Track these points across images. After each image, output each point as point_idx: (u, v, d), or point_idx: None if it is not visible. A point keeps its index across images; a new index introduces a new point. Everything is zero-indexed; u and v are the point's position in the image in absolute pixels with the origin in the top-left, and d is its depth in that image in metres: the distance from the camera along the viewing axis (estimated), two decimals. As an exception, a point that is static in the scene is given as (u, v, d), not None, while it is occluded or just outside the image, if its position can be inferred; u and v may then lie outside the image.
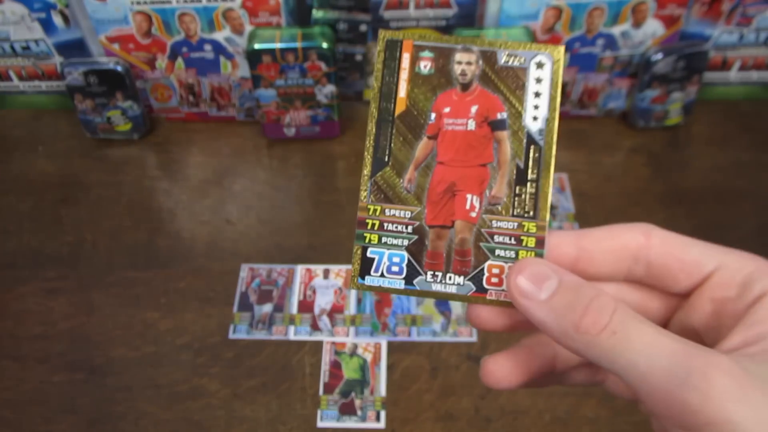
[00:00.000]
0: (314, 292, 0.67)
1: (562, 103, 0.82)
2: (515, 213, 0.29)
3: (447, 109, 0.29)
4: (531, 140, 0.29)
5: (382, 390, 0.60)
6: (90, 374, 0.62)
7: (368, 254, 0.29)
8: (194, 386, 0.61)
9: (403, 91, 0.29)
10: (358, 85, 0.83)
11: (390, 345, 0.63)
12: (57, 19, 0.74)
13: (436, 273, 0.28)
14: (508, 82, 0.29)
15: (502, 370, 0.29)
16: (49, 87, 0.84)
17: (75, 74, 0.76)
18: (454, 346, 0.63)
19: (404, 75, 0.29)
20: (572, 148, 0.81)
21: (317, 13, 0.75)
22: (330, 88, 0.76)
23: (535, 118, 0.29)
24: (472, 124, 0.29)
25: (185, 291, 0.68)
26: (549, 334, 0.25)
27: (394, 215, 0.29)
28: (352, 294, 0.67)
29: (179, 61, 0.78)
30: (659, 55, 0.74)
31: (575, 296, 0.25)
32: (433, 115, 0.29)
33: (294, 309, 0.66)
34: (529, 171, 0.29)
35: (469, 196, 0.29)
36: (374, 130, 0.29)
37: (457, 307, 0.66)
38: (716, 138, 0.82)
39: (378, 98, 0.29)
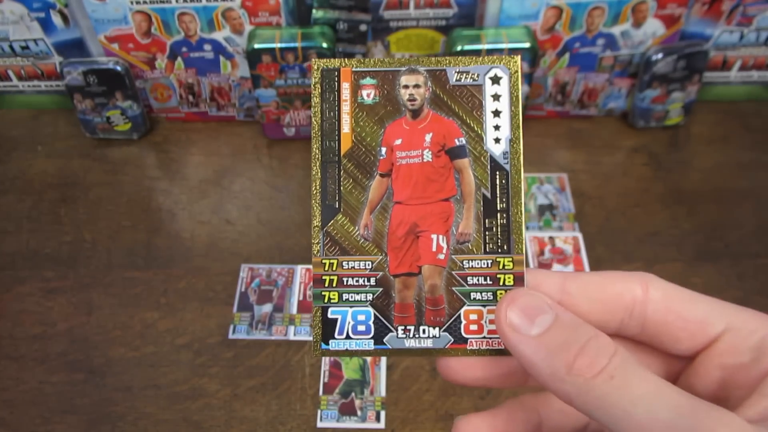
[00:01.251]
0: (314, 292, 0.67)
1: (562, 103, 0.82)
2: (488, 249, 0.25)
3: (398, 141, 0.26)
4: (496, 165, 0.25)
5: (382, 390, 0.60)
6: (89, 374, 0.62)
7: (329, 315, 0.25)
8: (194, 386, 0.61)
9: (346, 126, 0.26)
10: (357, 85, 0.83)
11: (390, 345, 0.63)
12: (56, 19, 0.74)
13: (408, 327, 0.25)
14: (463, 103, 0.26)
15: None
16: (48, 87, 0.83)
17: (74, 74, 0.75)
18: (454, 346, 0.63)
19: (346, 108, 0.26)
20: (572, 148, 0.81)
21: (317, 13, 0.74)
22: (330, 88, 0.75)
23: (497, 140, 0.25)
24: (428, 155, 0.26)
25: (185, 291, 0.68)
26: (537, 376, 0.23)
27: (353, 267, 0.26)
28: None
29: (179, 60, 0.78)
30: (659, 55, 0.74)
31: (571, 334, 0.22)
32: (383, 150, 0.26)
33: (294, 309, 0.66)
34: (498, 200, 0.25)
35: (434, 237, 0.26)
36: (319, 173, 0.26)
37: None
38: (716, 138, 0.82)
39: (319, 137, 0.26)
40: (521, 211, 0.25)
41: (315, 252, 0.26)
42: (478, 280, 0.25)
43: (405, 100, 0.26)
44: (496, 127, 0.25)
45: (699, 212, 0.74)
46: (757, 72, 0.83)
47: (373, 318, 0.25)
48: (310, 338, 0.64)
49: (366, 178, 0.26)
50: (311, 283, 0.26)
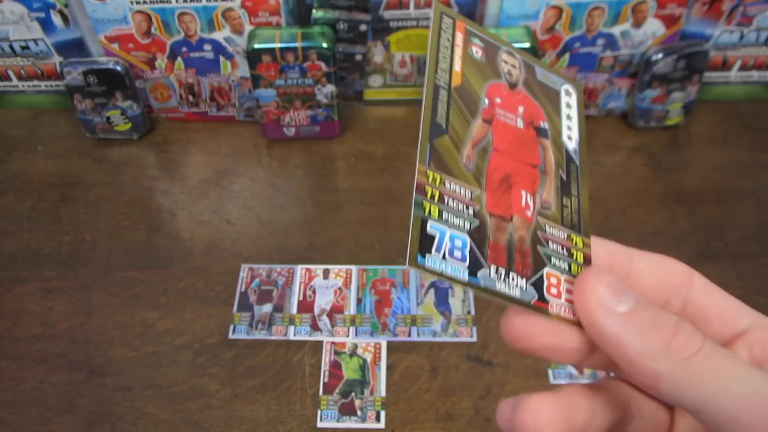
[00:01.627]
0: (314, 292, 0.67)
1: (562, 103, 0.82)
2: (564, 223, 0.27)
3: (498, 100, 0.28)
4: (569, 157, 0.29)
5: (382, 390, 0.60)
6: (89, 374, 0.62)
7: (428, 229, 0.23)
8: (194, 386, 0.61)
9: (457, 65, 0.27)
10: (358, 85, 0.83)
11: (390, 345, 0.63)
12: (56, 19, 0.74)
13: (500, 269, 0.24)
14: (547, 97, 0.29)
15: (543, 416, 0.23)
16: (48, 87, 0.84)
17: (74, 74, 0.75)
18: (454, 346, 0.63)
19: (458, 51, 0.27)
20: (572, 148, 0.81)
21: (317, 13, 0.74)
22: (330, 88, 0.76)
23: (569, 138, 0.29)
24: (520, 123, 0.28)
25: (185, 291, 0.68)
26: (622, 354, 0.22)
27: (454, 191, 0.24)
28: (352, 294, 0.67)
29: (179, 60, 0.78)
30: (659, 55, 0.74)
31: (659, 316, 0.22)
32: (486, 101, 0.27)
33: (294, 309, 0.66)
34: (571, 185, 0.28)
35: (523, 193, 0.26)
36: (431, 94, 0.25)
37: (457, 308, 0.66)
38: (716, 138, 0.82)
39: (434, 65, 0.26)
40: (587, 206, 0.28)
41: (420, 160, 0.24)
42: (557, 247, 0.26)
43: (505, 71, 0.28)
44: (569, 128, 0.29)
45: (699, 212, 0.74)
46: (757, 72, 0.83)
47: (469, 248, 0.24)
48: (310, 338, 0.64)
49: (471, 116, 0.26)
50: (415, 196, 0.23)
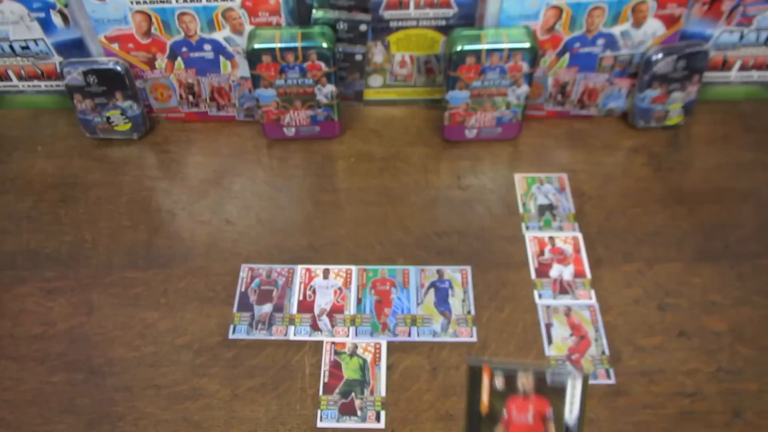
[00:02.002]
0: (314, 292, 0.67)
1: (562, 103, 0.82)
2: None
3: (514, 408, 0.42)
4: (568, 427, 0.42)
5: (382, 390, 0.60)
6: (89, 374, 0.62)
7: None
8: (194, 386, 0.61)
9: (485, 398, 0.42)
10: (357, 85, 0.83)
11: (390, 345, 0.63)
12: (56, 19, 0.74)
13: None
14: (554, 391, 0.42)
15: None
16: (48, 87, 0.84)
17: (74, 74, 0.75)
18: (454, 346, 0.63)
19: (485, 389, 0.42)
20: (572, 148, 0.81)
21: (317, 13, 0.74)
22: (330, 88, 0.76)
23: (570, 412, 0.42)
24: (530, 418, 0.42)
25: (185, 291, 0.68)
26: None
27: None
28: (352, 294, 0.67)
29: (179, 60, 0.78)
30: (659, 55, 0.74)
31: None
32: (505, 412, 0.42)
33: (294, 309, 0.66)
34: None
35: None
36: (470, 425, 0.43)
37: (457, 308, 0.66)
38: (716, 138, 0.82)
39: (470, 406, 0.43)
40: None
41: None
42: None
43: (520, 388, 0.42)
44: (571, 404, 0.42)
45: (699, 212, 0.74)
46: (757, 72, 0.82)
47: None
48: (310, 338, 0.64)
49: (494, 426, 0.43)
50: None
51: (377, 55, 0.80)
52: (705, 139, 0.82)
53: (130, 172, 0.80)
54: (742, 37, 0.78)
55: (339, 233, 0.72)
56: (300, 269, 0.69)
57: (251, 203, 0.76)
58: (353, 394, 0.60)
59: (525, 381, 0.41)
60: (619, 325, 0.64)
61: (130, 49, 0.76)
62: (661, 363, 0.61)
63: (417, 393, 0.60)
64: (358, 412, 0.59)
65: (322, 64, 0.73)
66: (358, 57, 0.79)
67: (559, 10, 0.72)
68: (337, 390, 0.60)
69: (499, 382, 0.42)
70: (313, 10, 0.74)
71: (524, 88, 0.75)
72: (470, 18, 0.75)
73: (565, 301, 0.66)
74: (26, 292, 0.68)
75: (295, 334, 0.64)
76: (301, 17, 0.75)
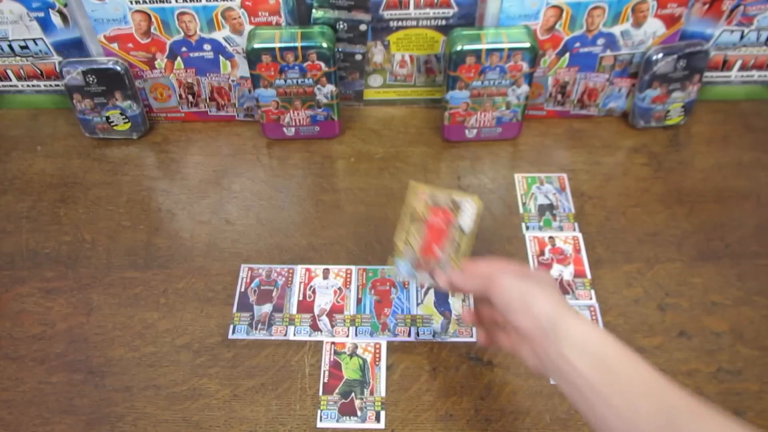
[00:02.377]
0: (314, 292, 0.67)
1: (562, 103, 0.82)
2: (452, 259, 0.56)
3: (433, 215, 0.58)
4: (462, 232, 0.57)
5: (382, 390, 0.60)
6: (89, 375, 0.62)
7: (397, 262, 0.58)
8: (193, 387, 0.61)
9: (418, 207, 0.58)
10: (357, 85, 0.83)
11: (390, 345, 0.63)
12: (55, 19, 0.74)
13: (424, 273, 0.58)
14: (458, 208, 0.58)
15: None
16: (47, 86, 0.83)
17: (74, 74, 0.75)
18: (454, 346, 0.63)
19: (419, 200, 0.58)
20: (572, 148, 0.81)
21: (317, 13, 0.74)
22: (330, 88, 0.75)
23: (462, 223, 0.57)
24: (441, 222, 0.57)
25: (184, 291, 0.68)
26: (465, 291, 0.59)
27: (409, 245, 0.57)
28: (352, 294, 0.67)
29: (178, 60, 0.78)
30: (660, 55, 0.74)
31: (470, 276, 0.54)
32: (427, 216, 0.58)
33: (294, 309, 0.66)
34: (459, 244, 0.56)
35: (436, 248, 0.56)
36: (404, 222, 0.58)
37: (457, 308, 0.66)
38: (717, 138, 0.82)
39: (406, 210, 0.58)
40: (466, 251, 0.56)
41: (398, 238, 0.58)
42: (446, 265, 0.56)
43: (440, 203, 0.59)
44: (462, 219, 0.57)
45: (699, 212, 0.74)
46: (757, 72, 0.82)
47: (411, 265, 0.58)
48: (310, 338, 0.64)
49: (420, 225, 0.58)
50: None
51: (377, 54, 0.79)
52: (705, 139, 0.82)
53: (129, 172, 0.80)
54: (742, 36, 0.78)
55: (339, 233, 0.72)
56: (300, 269, 0.69)
57: (251, 203, 0.76)
58: (353, 394, 0.60)
59: (443, 200, 0.58)
60: (620, 326, 0.64)
61: (129, 49, 0.76)
62: (661, 363, 0.61)
63: (417, 393, 0.60)
64: (358, 413, 0.59)
65: (322, 64, 0.73)
66: (358, 57, 0.79)
67: (559, 10, 0.72)
68: (336, 390, 0.60)
69: (428, 198, 0.58)
70: (313, 10, 0.74)
71: (524, 88, 0.75)
72: (470, 18, 0.75)
73: (565, 301, 0.66)
74: (25, 292, 0.68)
75: (294, 334, 0.64)
76: (301, 17, 0.75)
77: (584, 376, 0.41)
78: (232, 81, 0.80)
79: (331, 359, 0.62)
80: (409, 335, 0.64)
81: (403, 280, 0.67)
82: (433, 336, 0.64)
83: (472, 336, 0.64)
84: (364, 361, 0.62)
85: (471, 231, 0.57)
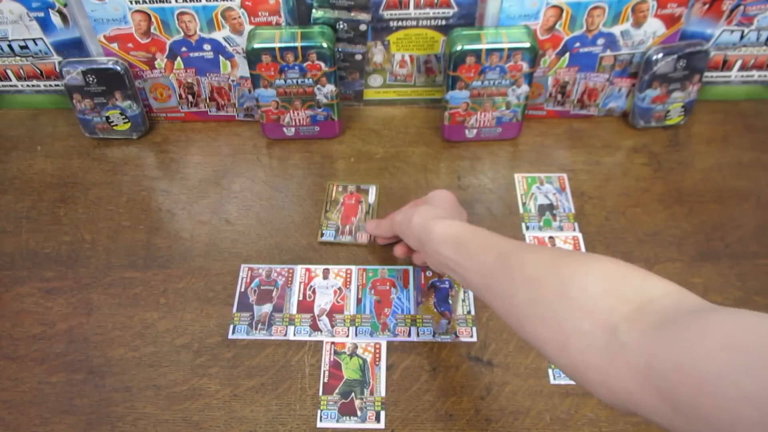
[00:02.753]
0: (314, 292, 0.67)
1: (562, 103, 0.82)
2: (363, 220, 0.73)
3: (346, 198, 0.75)
4: (369, 204, 0.73)
5: (382, 390, 0.60)
6: (88, 375, 0.62)
7: (323, 227, 0.72)
8: (193, 387, 0.61)
9: (333, 195, 0.75)
10: (357, 85, 0.83)
11: (390, 345, 0.63)
12: (55, 19, 0.74)
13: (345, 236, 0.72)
14: (366, 192, 0.75)
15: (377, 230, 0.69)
16: (47, 86, 0.83)
17: (74, 74, 0.75)
18: (454, 346, 0.63)
19: (335, 193, 0.75)
20: (572, 148, 0.81)
21: (317, 13, 0.74)
22: (329, 88, 0.75)
23: (370, 202, 0.75)
24: (353, 201, 0.74)
25: (184, 291, 0.68)
26: (384, 234, 0.68)
27: (333, 219, 0.73)
28: (352, 294, 0.67)
29: (178, 60, 0.78)
30: (660, 55, 0.74)
31: (378, 224, 0.69)
32: (342, 199, 0.75)
33: (294, 309, 0.66)
34: (370, 212, 0.74)
35: (354, 219, 0.73)
36: (324, 204, 0.74)
37: (457, 308, 0.66)
38: (717, 138, 0.82)
39: (325, 202, 0.75)
40: (372, 218, 0.73)
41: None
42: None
43: (354, 190, 0.77)
44: (369, 197, 0.75)
45: (699, 212, 0.74)
46: (757, 72, 0.82)
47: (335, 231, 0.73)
48: (310, 338, 0.64)
49: (337, 205, 0.75)
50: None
51: (377, 54, 0.79)
52: (705, 139, 0.82)
53: (129, 172, 0.80)
54: (742, 36, 0.78)
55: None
56: (300, 269, 0.69)
57: (251, 203, 0.76)
58: (353, 394, 0.60)
59: (351, 188, 0.75)
60: (620, 325, 0.64)
61: (129, 49, 0.76)
62: (661, 363, 0.61)
63: (417, 393, 0.60)
64: (358, 413, 0.59)
65: (322, 64, 0.73)
66: (358, 57, 0.79)
67: (559, 10, 0.72)
68: (336, 390, 0.60)
69: (341, 188, 0.75)
70: (313, 10, 0.74)
71: (524, 88, 0.75)
72: (470, 18, 0.75)
73: (565, 301, 0.66)
74: (25, 293, 0.68)
75: (295, 335, 0.64)
76: (300, 17, 0.75)
77: (450, 257, 0.54)
78: (232, 81, 0.80)
79: (331, 359, 0.62)
80: (409, 335, 0.64)
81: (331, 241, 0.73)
82: (433, 336, 0.64)
83: (472, 336, 0.64)
84: (364, 361, 0.62)
85: (374, 203, 0.74)
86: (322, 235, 0.71)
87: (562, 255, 0.46)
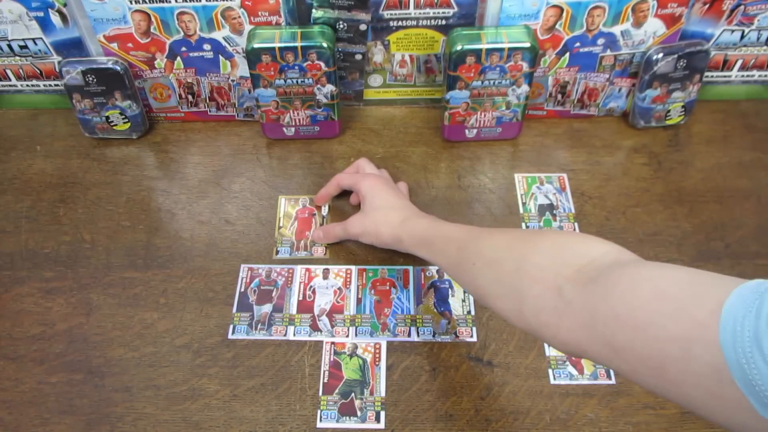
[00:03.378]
0: (314, 292, 0.67)
1: (562, 103, 0.82)
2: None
3: (299, 212, 0.75)
4: (323, 216, 0.75)
5: (382, 390, 0.60)
6: (88, 375, 0.62)
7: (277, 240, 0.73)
8: (193, 387, 0.61)
9: (288, 212, 0.75)
10: (357, 85, 0.83)
11: (390, 345, 0.63)
12: (55, 18, 0.74)
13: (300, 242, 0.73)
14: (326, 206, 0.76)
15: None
16: (47, 86, 0.83)
17: (73, 73, 0.75)
18: (454, 346, 0.63)
19: (290, 209, 0.75)
20: (572, 148, 0.81)
21: (317, 13, 0.74)
22: (329, 88, 0.75)
23: (324, 210, 0.76)
24: (307, 213, 0.75)
25: (184, 291, 0.68)
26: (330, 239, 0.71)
27: (288, 234, 0.73)
28: (352, 294, 0.67)
29: (178, 60, 0.77)
30: (660, 55, 0.74)
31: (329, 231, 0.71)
32: (295, 214, 0.75)
33: (293, 309, 0.66)
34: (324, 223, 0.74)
35: (308, 232, 0.73)
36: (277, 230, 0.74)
37: (457, 308, 0.66)
38: (717, 137, 0.82)
39: (277, 223, 0.75)
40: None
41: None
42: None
43: (300, 204, 0.78)
44: (325, 209, 0.76)
45: (699, 212, 0.74)
46: (757, 71, 0.82)
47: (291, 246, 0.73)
48: (310, 338, 0.64)
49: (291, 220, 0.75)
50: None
51: (377, 54, 0.79)
52: (705, 139, 0.82)
53: (129, 172, 0.79)
54: (742, 36, 0.78)
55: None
56: (300, 269, 0.69)
57: (251, 203, 0.76)
58: (353, 394, 0.60)
59: (302, 201, 0.75)
60: (620, 326, 0.64)
61: (129, 49, 0.76)
62: (661, 363, 0.61)
63: (417, 393, 0.60)
64: (358, 413, 0.59)
65: (322, 64, 0.72)
66: (358, 57, 0.79)
67: (560, 10, 0.72)
68: (336, 390, 0.60)
69: (293, 203, 0.75)
70: (313, 10, 0.74)
71: (524, 88, 0.75)
72: (470, 17, 0.75)
73: (565, 301, 0.66)
74: (25, 293, 0.68)
75: (294, 335, 0.64)
76: (300, 17, 0.75)
77: (426, 257, 0.60)
78: (232, 81, 0.80)
79: (331, 359, 0.62)
80: (409, 335, 0.64)
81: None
82: (433, 336, 0.64)
83: (472, 336, 0.64)
84: (364, 361, 0.62)
85: (328, 214, 0.74)
86: (277, 252, 0.71)
87: (516, 237, 0.52)
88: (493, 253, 0.51)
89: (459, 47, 0.71)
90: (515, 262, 0.47)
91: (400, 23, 0.76)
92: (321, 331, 0.64)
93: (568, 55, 0.77)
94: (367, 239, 0.67)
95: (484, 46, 0.70)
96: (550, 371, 0.61)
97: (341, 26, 0.75)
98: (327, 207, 0.75)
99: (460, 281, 0.57)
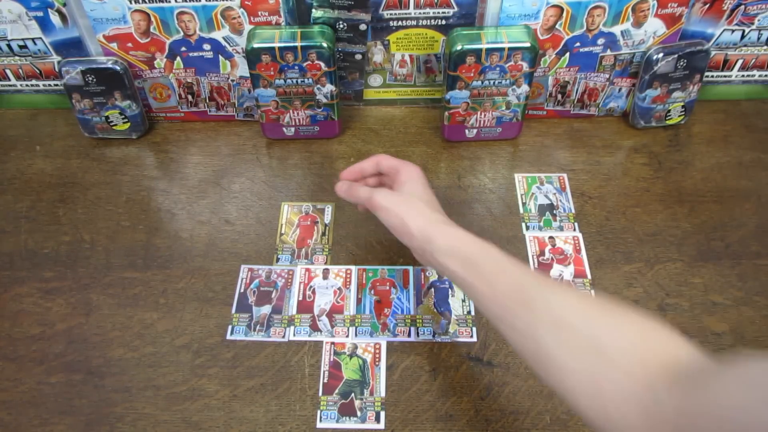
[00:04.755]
0: (314, 292, 0.67)
1: (562, 103, 0.82)
2: (319, 240, 0.72)
3: (301, 220, 0.74)
4: (326, 225, 0.71)
5: (382, 391, 0.60)
6: (88, 375, 0.62)
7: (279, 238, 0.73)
8: (193, 387, 0.61)
9: (289, 218, 0.75)
10: (357, 85, 0.83)
11: (390, 345, 0.63)
12: (54, 18, 0.74)
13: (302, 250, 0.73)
14: (320, 212, 0.74)
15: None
16: (46, 86, 0.83)
17: (73, 73, 0.75)
18: (454, 346, 0.63)
19: (290, 214, 0.75)
20: (572, 148, 0.81)
21: (316, 13, 0.74)
22: (329, 88, 0.75)
23: (327, 218, 0.74)
24: (309, 221, 0.73)
25: (184, 291, 0.68)
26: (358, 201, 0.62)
27: (289, 241, 0.73)
28: (352, 294, 0.67)
29: (178, 60, 0.77)
30: (660, 55, 0.74)
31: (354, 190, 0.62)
32: (298, 221, 0.74)
33: (293, 309, 0.66)
34: (326, 232, 0.73)
35: (310, 241, 0.72)
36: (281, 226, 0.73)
37: (457, 308, 0.66)
38: (717, 137, 0.82)
39: (279, 233, 0.73)
40: (329, 237, 0.72)
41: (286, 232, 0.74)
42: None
43: (309, 212, 0.76)
44: (326, 216, 0.75)
45: (699, 212, 0.74)
46: (758, 71, 0.82)
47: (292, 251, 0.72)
48: (309, 338, 0.64)
49: (293, 226, 0.75)
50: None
51: (377, 54, 0.79)
52: (705, 139, 0.82)
53: (128, 172, 0.79)
54: (743, 36, 0.78)
55: (339, 233, 0.72)
56: (299, 269, 0.69)
57: (250, 203, 0.76)
58: (353, 394, 0.60)
59: (306, 208, 0.74)
60: (620, 326, 0.64)
61: (129, 49, 0.76)
62: (661, 363, 0.61)
63: (417, 393, 0.60)
64: (358, 413, 0.59)
65: (322, 64, 0.72)
66: (358, 57, 0.79)
67: (560, 10, 0.72)
68: (336, 390, 0.60)
69: (296, 209, 0.74)
70: (313, 10, 0.74)
71: (524, 88, 0.74)
72: (470, 17, 0.75)
73: (565, 301, 0.66)
74: (24, 293, 0.68)
75: (294, 335, 0.64)
76: (300, 17, 0.75)
77: (456, 273, 0.51)
78: (232, 81, 0.80)
79: (331, 359, 0.62)
80: (409, 335, 0.64)
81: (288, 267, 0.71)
82: (433, 336, 0.64)
83: (472, 336, 0.64)
84: (364, 361, 0.62)
85: (331, 222, 0.73)
86: (278, 260, 0.69)
87: (592, 303, 0.46)
88: (565, 316, 0.44)
89: (459, 47, 0.70)
90: (592, 336, 0.42)
91: (400, 23, 0.76)
92: (321, 331, 0.64)
93: (568, 55, 0.76)
94: (388, 219, 0.57)
95: (484, 46, 0.70)
96: (550, 371, 0.61)
97: (341, 26, 0.75)
98: (330, 214, 0.73)
99: (511, 331, 0.47)
